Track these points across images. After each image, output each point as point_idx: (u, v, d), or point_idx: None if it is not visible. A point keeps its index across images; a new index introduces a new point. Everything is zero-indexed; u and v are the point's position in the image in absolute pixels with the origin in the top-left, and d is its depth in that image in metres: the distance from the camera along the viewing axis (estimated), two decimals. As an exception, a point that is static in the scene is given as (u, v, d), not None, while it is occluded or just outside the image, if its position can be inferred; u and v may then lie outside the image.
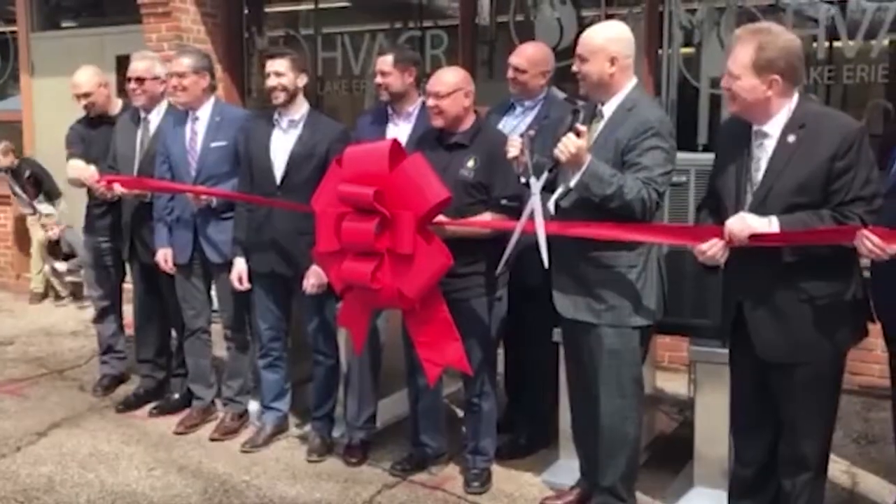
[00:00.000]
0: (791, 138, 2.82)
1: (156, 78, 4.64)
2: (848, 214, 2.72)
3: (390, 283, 3.41)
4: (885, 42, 5.20)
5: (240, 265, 4.26)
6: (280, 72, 4.07)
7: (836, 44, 5.36)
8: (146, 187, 4.55)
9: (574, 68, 3.27)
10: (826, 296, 2.82)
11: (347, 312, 3.79)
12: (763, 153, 2.88)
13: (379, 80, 4.18)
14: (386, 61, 4.17)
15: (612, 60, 3.18)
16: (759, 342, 2.91)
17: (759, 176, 2.87)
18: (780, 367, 2.91)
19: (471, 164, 3.64)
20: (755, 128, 2.91)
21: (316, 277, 4.02)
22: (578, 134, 3.04)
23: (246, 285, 4.27)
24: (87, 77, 4.92)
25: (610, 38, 3.21)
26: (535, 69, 4.10)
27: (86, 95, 4.91)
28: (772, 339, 2.88)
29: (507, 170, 3.51)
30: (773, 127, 2.86)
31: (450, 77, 3.67)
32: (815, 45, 5.39)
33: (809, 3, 5.52)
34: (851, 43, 5.29)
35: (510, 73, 4.13)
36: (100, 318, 5.32)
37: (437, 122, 3.70)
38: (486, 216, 3.61)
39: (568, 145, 3.02)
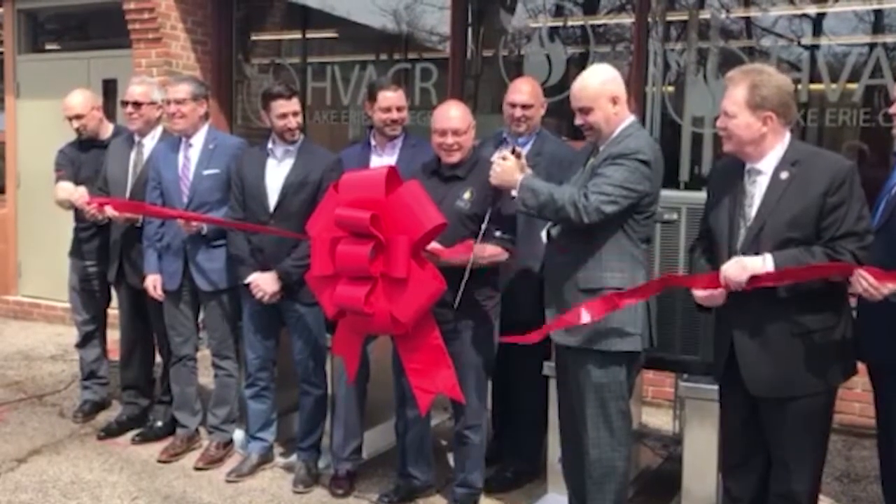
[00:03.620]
0: (784, 175, 2.89)
1: (152, 103, 4.66)
2: (840, 250, 2.79)
3: (383, 308, 3.42)
4: (865, 86, 5.33)
5: (263, 278, 4.12)
6: (297, 111, 4.15)
7: (819, 87, 5.48)
8: (137, 211, 4.54)
9: (577, 122, 3.34)
10: (818, 330, 2.88)
11: (341, 340, 3.79)
12: (756, 190, 2.95)
13: (394, 115, 4.17)
14: (400, 96, 4.20)
15: (614, 100, 3.27)
16: (749, 377, 2.94)
17: (752, 212, 2.94)
18: (772, 403, 2.95)
19: (467, 195, 3.68)
20: (748, 166, 2.98)
21: (268, 286, 4.05)
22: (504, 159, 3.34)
23: (276, 297, 4.14)
24: (81, 99, 4.92)
25: (604, 80, 3.29)
26: (538, 101, 4.19)
27: (78, 118, 4.91)
28: (762, 373, 2.92)
29: (502, 202, 3.57)
30: (767, 164, 2.94)
31: (463, 113, 3.73)
32: (798, 87, 5.50)
33: (789, 47, 5.65)
34: (834, 86, 5.41)
35: (517, 113, 4.13)
36: (83, 342, 5.27)
37: (454, 158, 3.72)
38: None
39: (494, 168, 3.35)
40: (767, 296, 2.85)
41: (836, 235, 2.81)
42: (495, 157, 3.38)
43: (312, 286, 3.79)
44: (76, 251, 5.16)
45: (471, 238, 3.62)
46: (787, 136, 2.95)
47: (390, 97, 4.18)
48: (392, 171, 3.56)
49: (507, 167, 3.31)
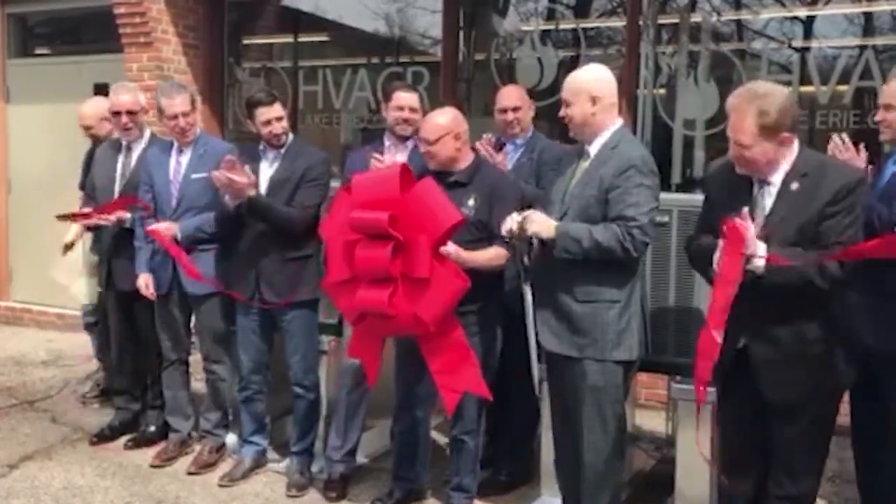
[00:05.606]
0: (794, 186, 2.88)
1: (142, 108, 4.65)
2: (828, 263, 2.79)
3: (407, 309, 3.37)
4: (855, 88, 5.35)
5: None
6: (280, 116, 4.13)
7: (810, 89, 5.50)
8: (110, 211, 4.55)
9: (560, 113, 3.37)
10: (828, 336, 2.89)
11: (358, 344, 3.74)
12: (767, 201, 2.93)
13: (406, 115, 4.14)
14: (414, 98, 4.20)
15: (594, 100, 3.28)
16: (768, 386, 2.94)
17: (761, 223, 2.91)
18: (783, 409, 2.96)
19: (471, 202, 3.66)
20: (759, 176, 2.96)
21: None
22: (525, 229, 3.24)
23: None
24: (91, 109, 5.02)
25: (590, 79, 3.33)
26: (525, 103, 4.29)
27: (89, 128, 5.02)
28: (779, 381, 2.93)
29: (507, 207, 3.56)
30: (777, 175, 2.92)
31: (439, 121, 3.70)
32: (789, 89, 5.51)
33: (780, 50, 5.67)
34: (824, 89, 5.43)
35: (508, 116, 4.25)
36: (88, 329, 5.35)
37: (431, 165, 3.74)
38: (492, 251, 3.62)
39: (530, 222, 3.22)
40: (774, 303, 2.86)
41: (828, 243, 2.81)
42: (514, 220, 3.29)
43: (329, 292, 3.74)
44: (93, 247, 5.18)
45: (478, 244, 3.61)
46: (796, 144, 2.93)
47: (405, 97, 4.18)
48: (405, 168, 3.53)
49: (538, 219, 3.24)
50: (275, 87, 6.46)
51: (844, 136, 3.50)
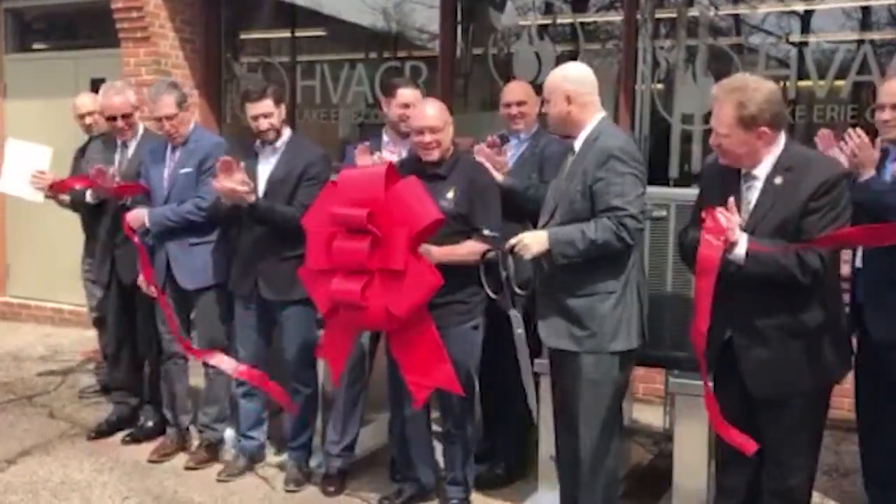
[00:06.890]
0: (778, 180, 2.88)
1: (134, 107, 4.65)
2: (810, 253, 2.79)
3: (378, 302, 3.39)
4: (853, 83, 5.35)
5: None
6: (267, 113, 4.08)
7: (808, 83, 5.50)
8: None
9: (542, 110, 3.44)
10: (815, 329, 2.88)
11: (329, 343, 3.77)
12: (752, 195, 2.94)
13: (412, 111, 4.15)
14: (417, 95, 4.23)
15: (568, 99, 3.30)
16: (752, 381, 2.95)
17: (746, 217, 2.92)
18: (771, 403, 2.96)
19: (450, 194, 3.67)
20: (744, 170, 2.97)
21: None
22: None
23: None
24: (89, 99, 5.05)
25: (565, 77, 3.34)
26: (531, 99, 4.29)
27: (90, 114, 5.05)
28: (763, 376, 2.93)
29: (487, 199, 3.61)
30: (761, 170, 2.93)
31: (439, 111, 3.72)
32: (786, 84, 5.51)
33: (778, 44, 5.67)
34: (822, 83, 5.43)
35: (513, 111, 4.26)
36: (96, 324, 5.32)
37: (433, 156, 3.72)
38: (469, 244, 3.64)
39: (524, 248, 3.24)
40: (762, 295, 2.86)
41: (808, 239, 2.80)
42: (513, 241, 3.31)
43: (305, 281, 3.77)
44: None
45: (457, 237, 3.64)
46: (782, 138, 2.94)
47: (409, 94, 4.22)
48: (391, 167, 3.54)
49: (531, 241, 3.25)
50: (273, 83, 6.47)
51: (859, 130, 3.49)
